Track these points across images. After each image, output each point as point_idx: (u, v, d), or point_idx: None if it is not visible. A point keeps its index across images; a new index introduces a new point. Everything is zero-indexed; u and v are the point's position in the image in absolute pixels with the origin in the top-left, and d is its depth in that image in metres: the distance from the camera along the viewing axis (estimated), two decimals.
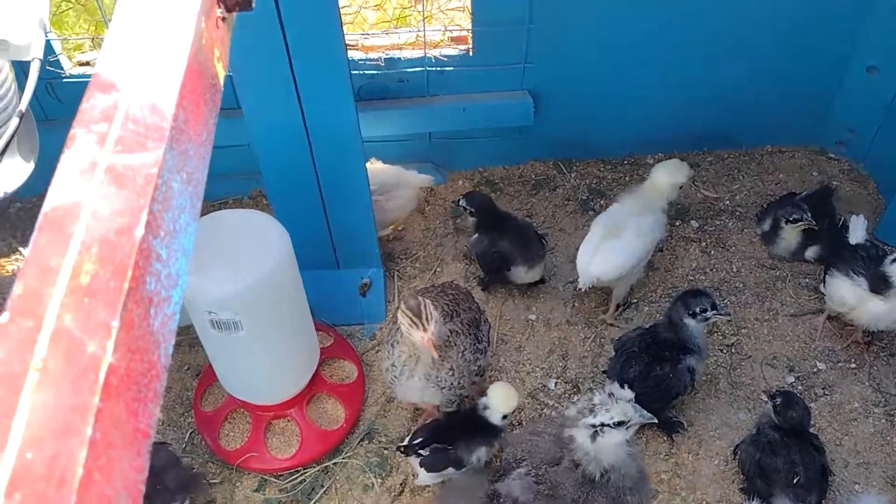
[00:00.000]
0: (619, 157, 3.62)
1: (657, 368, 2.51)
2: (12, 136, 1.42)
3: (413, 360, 2.29)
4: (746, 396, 2.77)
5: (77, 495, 0.56)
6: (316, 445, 2.60)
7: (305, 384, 2.62)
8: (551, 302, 3.08)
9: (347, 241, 2.92)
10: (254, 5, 1.06)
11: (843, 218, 3.09)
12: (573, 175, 3.55)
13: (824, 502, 2.41)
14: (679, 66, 3.24)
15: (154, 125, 0.81)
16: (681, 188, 2.97)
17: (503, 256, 2.94)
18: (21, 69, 1.74)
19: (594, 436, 2.00)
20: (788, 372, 2.84)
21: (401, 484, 2.59)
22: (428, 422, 2.57)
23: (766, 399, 2.41)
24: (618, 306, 3.01)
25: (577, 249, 2.87)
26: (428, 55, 3.08)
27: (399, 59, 3.09)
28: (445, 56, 3.10)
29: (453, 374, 2.33)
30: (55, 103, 3.04)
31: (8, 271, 3.23)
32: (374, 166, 3.09)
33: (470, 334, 2.40)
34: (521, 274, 2.98)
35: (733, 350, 2.90)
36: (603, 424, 1.99)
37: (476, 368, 2.43)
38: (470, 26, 3.05)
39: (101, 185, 0.74)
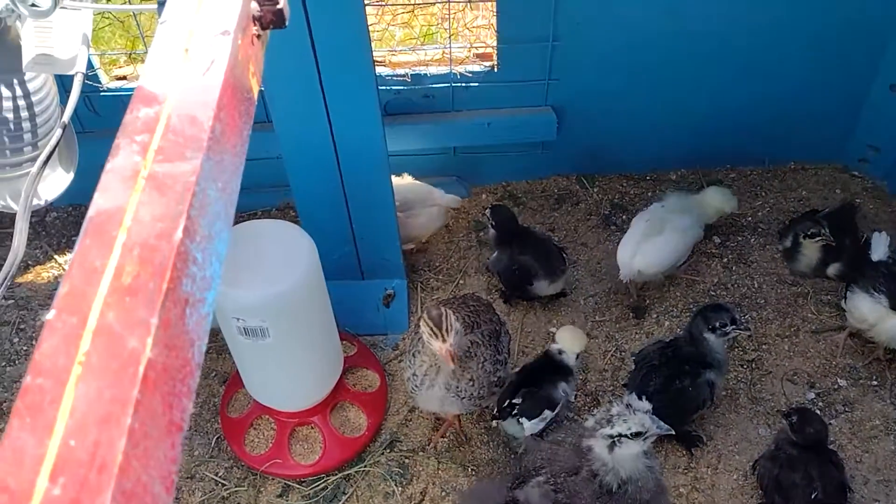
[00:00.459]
0: (641, 173, 3.64)
1: (677, 382, 2.52)
2: (55, 148, 1.48)
3: (434, 369, 2.33)
4: (766, 412, 2.77)
5: (116, 480, 0.60)
6: (338, 453, 2.65)
7: (329, 392, 2.67)
8: (572, 315, 3.10)
9: (372, 253, 2.97)
10: (287, 24, 1.11)
11: (865, 235, 3.09)
12: (595, 190, 3.58)
13: None
14: (702, 82, 3.26)
15: (193, 136, 0.86)
16: (721, 216, 3.20)
17: (524, 272, 2.97)
18: (61, 82, 1.82)
19: (612, 446, 2.02)
20: (809, 388, 2.84)
21: (421, 492, 2.63)
22: (506, 385, 2.62)
23: (783, 419, 2.41)
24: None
25: (620, 244, 3.00)
26: (453, 71, 3.13)
27: (425, 74, 3.15)
28: (471, 72, 3.16)
29: (473, 385, 2.37)
30: (92, 116, 3.13)
31: (44, 278, 3.32)
32: (403, 181, 3.14)
33: (490, 346, 2.43)
34: (544, 288, 3.01)
35: (754, 365, 2.90)
36: (620, 435, 2.00)
37: (496, 379, 2.45)
38: (495, 43, 3.10)
39: (142, 192, 0.79)
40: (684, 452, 2.66)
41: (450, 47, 3.10)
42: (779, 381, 2.86)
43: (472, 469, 2.67)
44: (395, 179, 3.13)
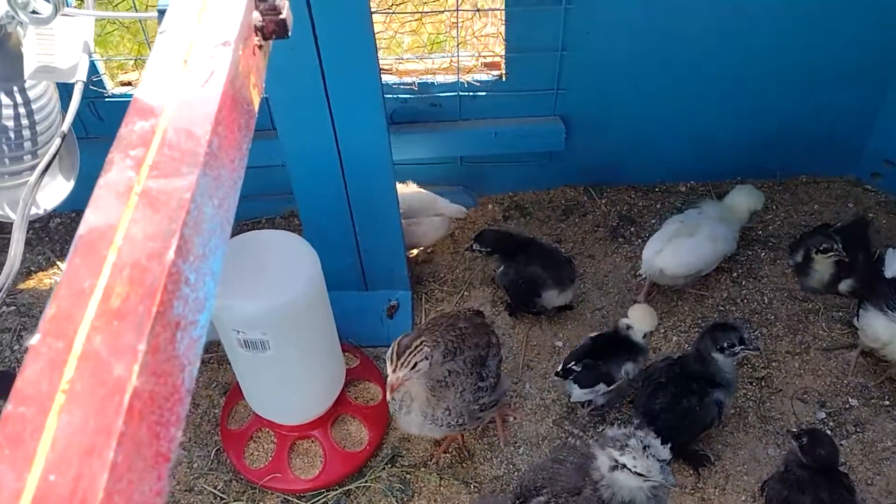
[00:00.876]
0: (650, 185, 3.60)
1: (684, 401, 2.47)
2: (54, 157, 1.46)
3: (409, 396, 2.28)
4: (776, 431, 2.72)
5: None
6: (339, 467, 2.61)
7: (330, 405, 2.63)
8: (578, 329, 3.06)
9: (376, 263, 2.94)
10: (290, 34, 1.09)
11: (878, 251, 3.04)
12: (603, 201, 3.54)
13: None
14: (712, 93, 3.23)
15: (189, 151, 0.83)
16: (754, 214, 3.16)
17: (532, 283, 2.93)
18: (64, 88, 1.80)
19: (613, 468, 2.00)
20: (820, 407, 2.78)
21: None
22: (577, 347, 2.73)
23: (792, 438, 2.36)
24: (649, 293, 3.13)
25: (648, 241, 3.01)
26: (461, 80, 3.10)
27: (433, 83, 3.12)
28: (478, 81, 3.13)
29: (450, 414, 2.31)
30: (97, 122, 3.11)
31: (46, 284, 3.30)
32: (408, 189, 3.11)
33: (472, 374, 2.36)
34: (553, 298, 2.96)
35: (763, 383, 2.85)
36: (624, 466, 1.98)
37: (478, 407, 2.38)
38: (503, 52, 3.07)
39: (135, 209, 0.76)
40: (691, 472, 2.61)
41: (457, 56, 3.07)
42: (789, 400, 2.80)
43: (474, 486, 2.62)
44: (399, 187, 3.10)
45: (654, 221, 3.44)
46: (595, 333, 2.80)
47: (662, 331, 3.04)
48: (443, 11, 3.20)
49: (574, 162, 3.45)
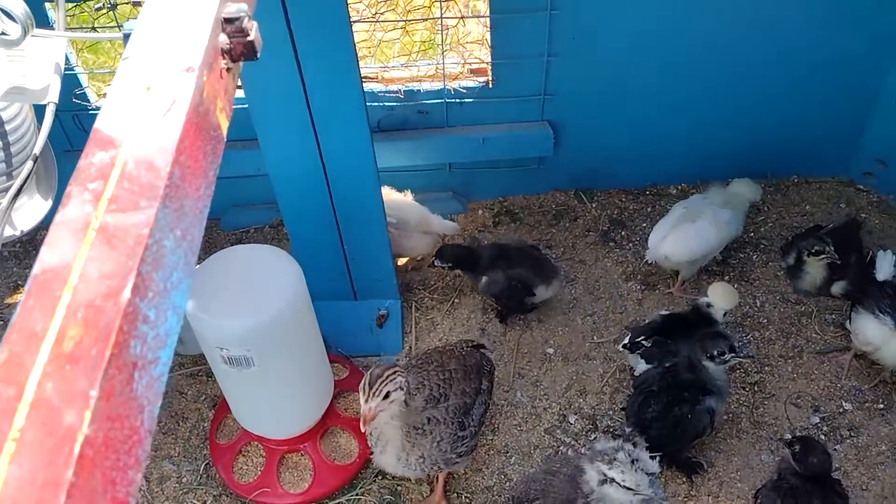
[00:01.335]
0: (640, 188, 3.59)
1: (676, 409, 2.46)
2: (25, 180, 1.43)
3: (384, 438, 2.21)
4: (769, 437, 2.70)
5: None
6: (329, 480, 2.58)
7: (319, 418, 2.61)
8: (570, 335, 3.04)
9: (364, 272, 2.92)
10: (259, 55, 1.06)
11: (870, 252, 3.02)
12: (594, 205, 3.53)
13: None
14: (702, 95, 3.21)
15: (148, 184, 0.81)
16: (751, 205, 3.23)
17: (525, 283, 2.92)
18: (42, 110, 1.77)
19: (602, 482, 1.98)
20: (813, 412, 2.77)
21: None
22: (647, 322, 2.78)
23: (784, 446, 2.34)
24: (684, 282, 3.12)
25: (654, 227, 3.03)
26: (447, 87, 3.08)
27: (419, 90, 3.10)
28: (465, 88, 3.11)
29: (424, 462, 2.24)
30: (82, 134, 3.09)
31: None
32: (404, 200, 3.09)
33: (453, 423, 2.26)
34: (544, 293, 2.98)
35: (756, 388, 2.84)
36: (613, 480, 1.97)
37: (454, 456, 2.30)
38: (489, 59, 3.05)
39: (92, 247, 0.74)
40: (684, 480, 2.59)
41: (443, 63, 3.05)
42: (782, 405, 2.79)
43: (466, 497, 2.60)
44: (396, 195, 3.08)
45: (645, 225, 3.42)
46: (667, 311, 2.86)
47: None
48: (427, 19, 3.17)
49: (563, 166, 3.43)
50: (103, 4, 2.87)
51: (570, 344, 3.01)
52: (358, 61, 2.26)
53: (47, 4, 2.66)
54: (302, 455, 2.66)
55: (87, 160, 0.82)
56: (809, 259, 3.02)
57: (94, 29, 3.03)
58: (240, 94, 2.43)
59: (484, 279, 2.96)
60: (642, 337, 2.70)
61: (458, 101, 3.13)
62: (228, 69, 1.05)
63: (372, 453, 2.32)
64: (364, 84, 2.84)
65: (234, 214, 3.44)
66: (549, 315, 3.10)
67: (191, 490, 2.64)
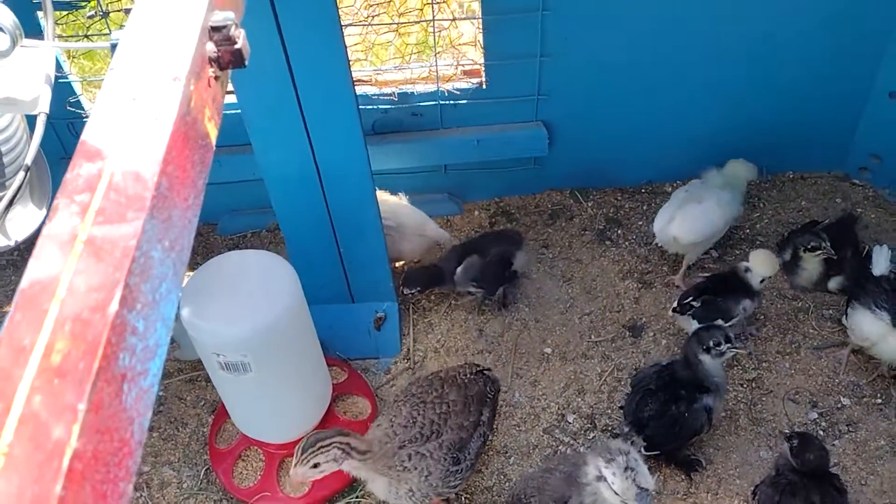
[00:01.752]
0: (636, 186, 3.59)
1: (672, 407, 2.46)
2: (16, 192, 1.44)
3: (363, 476, 2.19)
4: (768, 433, 2.70)
5: None
6: (329, 483, 2.58)
7: (318, 422, 2.61)
8: (567, 335, 3.04)
9: (361, 275, 2.92)
10: (247, 63, 1.06)
11: (866, 247, 3.02)
12: (590, 204, 3.53)
13: None
14: (696, 93, 3.21)
15: (136, 195, 0.81)
16: (750, 184, 3.30)
17: (502, 256, 2.99)
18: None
19: (598, 478, 2.00)
20: (811, 408, 2.77)
21: None
22: (693, 284, 2.89)
23: (784, 440, 2.35)
24: (689, 267, 3.17)
25: (657, 214, 3.08)
26: (441, 89, 3.09)
27: (412, 93, 3.10)
28: (458, 89, 3.11)
29: (413, 496, 2.20)
30: (77, 142, 3.09)
31: None
32: (399, 202, 3.10)
33: (446, 458, 2.22)
34: (522, 260, 3.07)
35: (754, 385, 2.84)
36: (605, 479, 1.98)
37: (447, 490, 2.28)
38: (482, 60, 3.05)
39: (79, 259, 0.75)
40: (683, 477, 2.60)
41: (436, 65, 3.05)
42: (780, 401, 2.79)
43: (465, 497, 2.60)
44: (391, 199, 3.09)
45: (641, 223, 3.43)
46: (709, 273, 2.97)
47: (652, 334, 3.02)
48: (419, 21, 3.17)
49: (559, 166, 3.43)
50: (95, 12, 2.87)
51: (568, 343, 3.01)
52: (350, 65, 2.26)
53: (39, 14, 2.66)
54: None
55: (75, 172, 0.83)
56: (806, 255, 3.02)
57: (87, 37, 3.03)
58: (233, 99, 2.43)
59: (459, 270, 2.97)
60: (690, 298, 2.77)
61: (451, 102, 3.13)
62: (216, 77, 1.05)
63: None
64: (357, 87, 2.84)
65: (230, 219, 3.45)
66: (546, 315, 3.11)
67: (191, 495, 2.65)
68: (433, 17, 2.91)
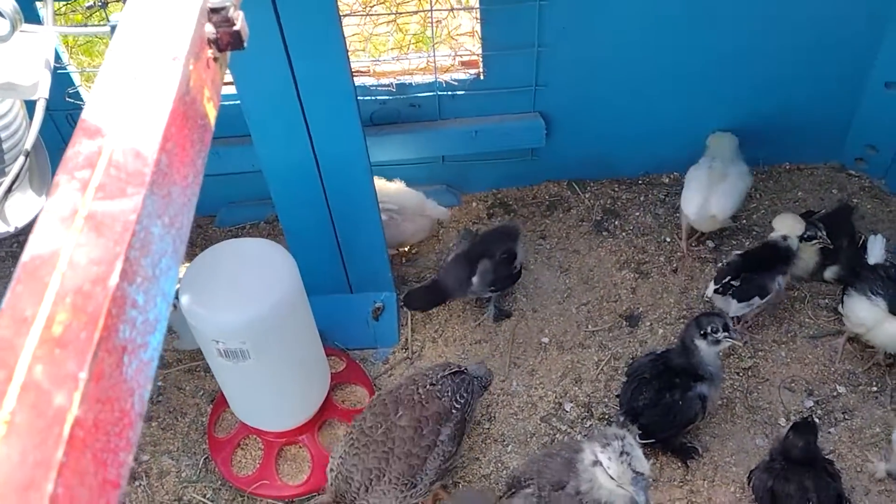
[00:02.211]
0: (633, 177, 3.59)
1: (667, 396, 2.47)
2: (17, 175, 1.44)
3: None
4: (764, 421, 2.72)
5: None
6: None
7: (316, 410, 2.62)
8: (564, 324, 3.05)
9: (359, 266, 2.93)
10: (246, 45, 1.07)
11: (862, 237, 3.04)
12: (587, 195, 3.54)
13: None
14: (693, 84, 3.22)
15: (136, 171, 0.82)
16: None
17: (508, 253, 2.96)
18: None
19: (594, 463, 2.01)
20: (807, 396, 2.79)
21: None
22: (728, 262, 2.92)
23: (785, 423, 2.36)
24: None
25: (683, 197, 3.12)
26: (439, 80, 3.09)
27: (410, 84, 3.11)
28: (456, 80, 3.11)
29: None
30: None
31: None
32: (398, 187, 3.10)
33: (397, 488, 2.26)
34: (522, 251, 3.05)
35: (750, 373, 2.86)
36: (601, 463, 1.99)
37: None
38: (480, 51, 3.06)
39: (80, 234, 0.75)
40: (680, 465, 2.61)
41: (433, 56, 3.06)
42: (776, 389, 2.81)
43: (463, 485, 2.62)
44: (389, 185, 3.09)
45: (638, 214, 3.44)
46: (741, 251, 3.00)
47: (648, 323, 3.04)
48: (417, 12, 3.18)
49: (556, 157, 3.44)
50: (94, 3, 2.88)
51: (565, 333, 3.02)
52: (348, 55, 2.27)
53: (38, 4, 2.66)
54: (300, 447, 2.67)
55: (75, 149, 0.83)
56: (802, 244, 3.03)
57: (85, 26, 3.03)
58: (232, 90, 2.44)
59: (475, 280, 2.89)
60: (728, 278, 2.79)
61: (449, 93, 3.13)
62: (215, 59, 1.06)
63: None
64: (356, 78, 2.84)
65: (229, 211, 3.45)
66: (543, 305, 3.12)
67: (190, 484, 2.66)
68: (431, 7, 2.91)
